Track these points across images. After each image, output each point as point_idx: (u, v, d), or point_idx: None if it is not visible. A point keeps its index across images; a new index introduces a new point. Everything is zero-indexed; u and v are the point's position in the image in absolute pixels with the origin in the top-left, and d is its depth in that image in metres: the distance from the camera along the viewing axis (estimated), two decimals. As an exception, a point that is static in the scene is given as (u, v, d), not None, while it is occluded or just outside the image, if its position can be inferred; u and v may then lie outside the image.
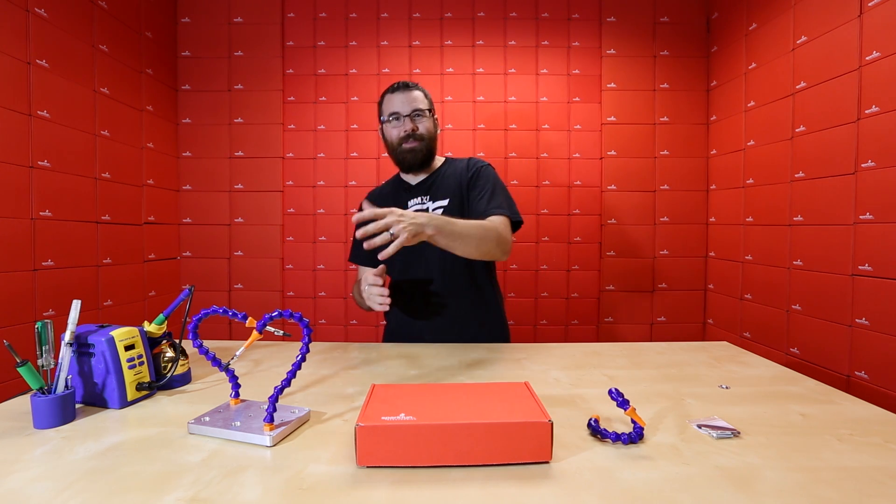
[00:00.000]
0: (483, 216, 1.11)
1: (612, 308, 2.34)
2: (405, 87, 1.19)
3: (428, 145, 1.21)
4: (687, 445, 0.59)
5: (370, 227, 0.84)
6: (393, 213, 0.85)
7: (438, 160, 1.29)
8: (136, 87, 2.00)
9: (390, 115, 1.19)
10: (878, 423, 0.66)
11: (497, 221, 1.08)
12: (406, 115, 1.17)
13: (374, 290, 1.01)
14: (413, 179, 1.26)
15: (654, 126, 2.31)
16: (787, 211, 1.74)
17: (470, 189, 1.20)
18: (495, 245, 1.04)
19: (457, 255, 1.06)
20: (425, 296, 1.21)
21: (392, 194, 1.27)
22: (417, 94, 1.20)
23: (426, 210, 1.20)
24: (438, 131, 1.26)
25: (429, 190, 1.23)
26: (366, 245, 0.84)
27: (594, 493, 0.49)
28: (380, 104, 1.23)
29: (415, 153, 1.19)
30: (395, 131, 1.19)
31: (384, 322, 1.33)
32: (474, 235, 0.99)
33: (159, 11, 2.16)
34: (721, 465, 0.55)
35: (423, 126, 1.19)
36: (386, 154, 2.29)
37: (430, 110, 1.21)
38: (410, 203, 1.23)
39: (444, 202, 1.20)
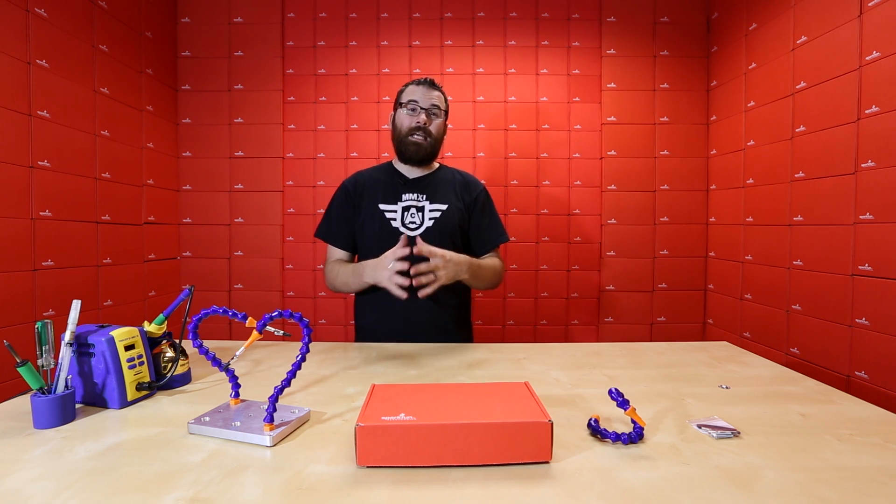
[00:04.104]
0: (492, 243, 1.31)
1: (612, 308, 2.34)
2: (431, 84, 1.25)
3: (433, 145, 1.25)
4: (687, 445, 0.59)
5: (422, 267, 1.01)
6: (443, 258, 1.02)
7: (435, 163, 1.34)
8: (136, 87, 2.00)
9: (409, 101, 1.23)
10: (878, 423, 0.66)
11: (499, 261, 1.29)
12: (423, 109, 1.22)
13: (387, 259, 1.04)
14: (409, 173, 1.29)
15: (654, 126, 2.31)
16: (787, 211, 1.74)
17: (473, 210, 1.30)
18: (499, 281, 1.29)
19: None
20: (414, 291, 1.21)
21: (387, 183, 1.28)
22: (438, 94, 1.26)
23: (422, 209, 1.25)
24: (444, 135, 1.30)
25: (425, 189, 1.27)
26: (415, 282, 1.01)
27: (594, 493, 0.49)
28: (400, 92, 1.27)
29: (419, 148, 1.23)
30: (407, 120, 1.23)
31: (352, 322, 1.36)
32: (491, 279, 1.24)
33: (159, 11, 2.16)
34: (721, 465, 0.55)
35: (435, 125, 1.24)
36: (386, 154, 2.31)
37: (445, 112, 1.27)
38: (405, 197, 1.25)
39: (443, 207, 1.25)
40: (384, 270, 1.04)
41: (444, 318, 1.24)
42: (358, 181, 1.31)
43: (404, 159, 1.27)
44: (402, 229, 1.23)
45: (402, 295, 1.01)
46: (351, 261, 1.31)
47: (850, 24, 1.47)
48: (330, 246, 1.31)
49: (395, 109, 1.28)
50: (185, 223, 2.31)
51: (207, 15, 2.29)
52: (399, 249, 1.02)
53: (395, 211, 1.24)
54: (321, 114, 2.33)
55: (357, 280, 1.16)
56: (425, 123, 1.22)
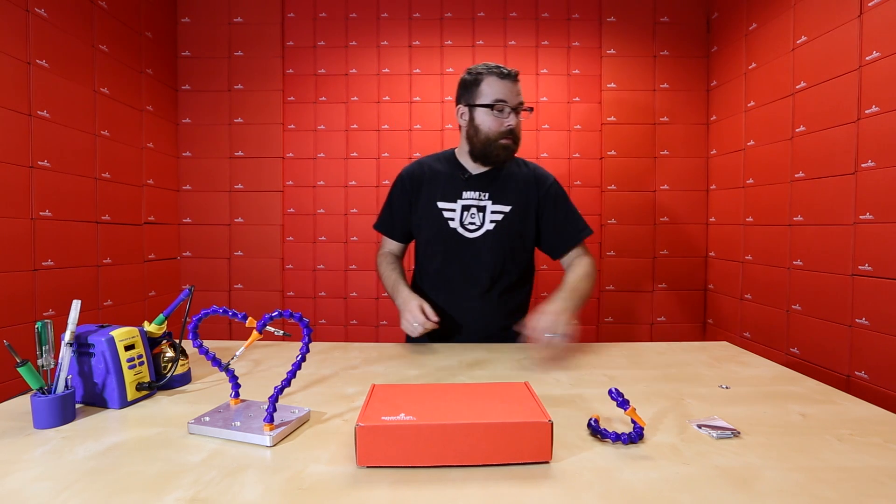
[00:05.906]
0: (573, 241, 1.19)
1: (612, 308, 2.34)
2: (515, 77, 1.12)
3: (518, 145, 1.15)
4: (687, 445, 0.59)
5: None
6: (554, 324, 0.92)
7: None
8: (136, 87, 2.00)
9: (497, 100, 1.09)
10: (878, 423, 0.66)
11: (587, 262, 1.16)
12: (512, 109, 1.10)
13: (418, 317, 1.01)
14: (473, 168, 1.18)
15: (654, 126, 2.31)
16: (787, 211, 1.74)
17: (545, 207, 1.18)
18: (594, 283, 1.14)
19: (508, 259, 1.17)
20: (467, 295, 1.17)
21: (447, 177, 1.18)
22: (519, 87, 1.13)
23: (483, 209, 1.15)
24: None
25: (488, 187, 1.17)
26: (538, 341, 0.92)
27: (594, 493, 0.49)
28: (476, 82, 1.12)
29: (508, 152, 1.13)
30: (496, 123, 1.10)
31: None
32: (589, 290, 1.10)
33: (159, 11, 2.16)
34: (721, 465, 0.55)
35: (518, 124, 1.13)
36: (386, 154, 2.31)
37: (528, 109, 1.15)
38: (466, 195, 1.16)
39: (506, 209, 1.15)
40: (409, 319, 1.03)
41: (497, 322, 1.19)
42: (415, 172, 1.20)
43: (488, 162, 1.15)
44: (460, 230, 1.15)
45: (413, 334, 1.04)
46: (403, 252, 1.28)
47: (850, 24, 1.47)
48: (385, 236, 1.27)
49: (469, 104, 1.13)
50: (185, 223, 2.31)
51: (207, 15, 2.29)
52: (430, 323, 1.01)
53: (454, 210, 1.15)
54: (321, 114, 2.33)
55: (390, 294, 1.16)
56: (516, 126, 1.10)
